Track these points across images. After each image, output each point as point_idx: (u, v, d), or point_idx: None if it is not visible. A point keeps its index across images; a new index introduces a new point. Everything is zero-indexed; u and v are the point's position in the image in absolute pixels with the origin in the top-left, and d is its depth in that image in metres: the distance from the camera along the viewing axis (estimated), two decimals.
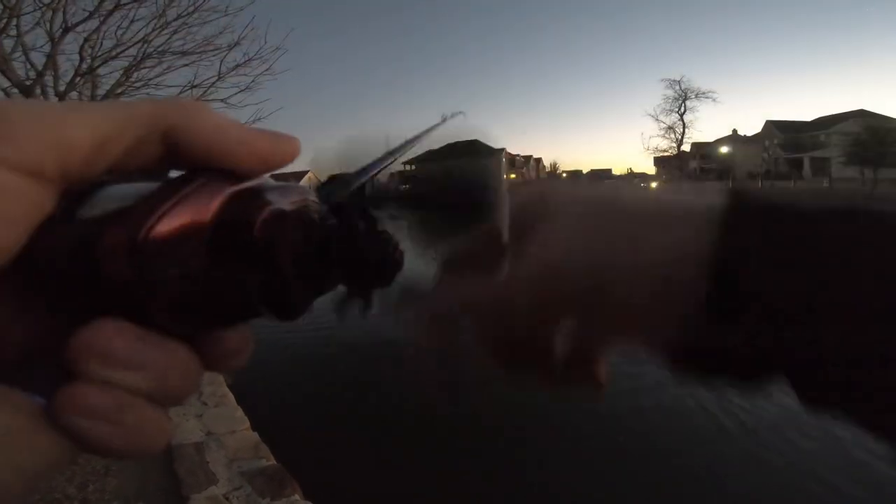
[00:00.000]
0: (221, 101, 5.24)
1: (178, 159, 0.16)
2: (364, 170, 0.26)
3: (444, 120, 0.34)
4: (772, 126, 52.09)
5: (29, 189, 0.14)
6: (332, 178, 0.23)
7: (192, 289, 0.15)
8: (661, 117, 30.50)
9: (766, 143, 51.55)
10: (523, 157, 76.48)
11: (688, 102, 29.74)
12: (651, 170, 62.86)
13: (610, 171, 79.84)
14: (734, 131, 56.99)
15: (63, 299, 0.15)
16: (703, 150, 55.66)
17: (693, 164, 53.68)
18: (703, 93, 29.66)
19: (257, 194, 0.17)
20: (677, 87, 29.78)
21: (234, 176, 0.16)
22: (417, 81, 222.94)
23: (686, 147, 33.72)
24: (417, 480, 3.39)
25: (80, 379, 0.14)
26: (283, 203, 0.17)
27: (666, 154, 32.73)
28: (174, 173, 0.16)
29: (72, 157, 0.14)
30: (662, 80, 31.68)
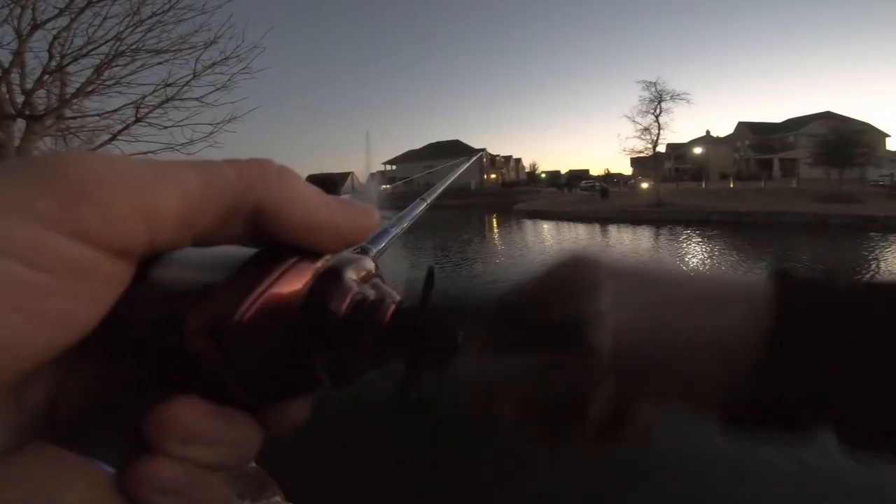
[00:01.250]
0: (196, 99, 5.14)
1: (259, 231, 0.16)
2: (400, 218, 0.28)
3: (469, 159, 0.37)
4: (743, 127, 53.71)
5: (114, 265, 0.13)
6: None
7: (274, 367, 0.15)
8: (638, 118, 30.99)
9: (738, 143, 53.12)
10: (503, 157, 76.95)
11: (663, 104, 30.26)
12: (628, 170, 64.19)
13: (587, 171, 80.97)
14: (707, 132, 58.61)
15: (141, 369, 0.15)
16: (678, 151, 57.04)
17: (668, 165, 54.95)
18: (678, 94, 30.25)
19: (339, 275, 0.17)
20: (653, 89, 30.30)
21: (313, 251, 0.17)
22: (398, 83, 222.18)
23: (661, 148, 34.36)
24: (400, 482, 3.40)
25: (154, 452, 0.14)
26: (364, 285, 0.18)
27: (642, 155, 33.30)
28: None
29: (160, 229, 0.14)
30: (639, 81, 32.18)
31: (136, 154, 5.46)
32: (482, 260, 13.69)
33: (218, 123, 5.29)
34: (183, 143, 5.25)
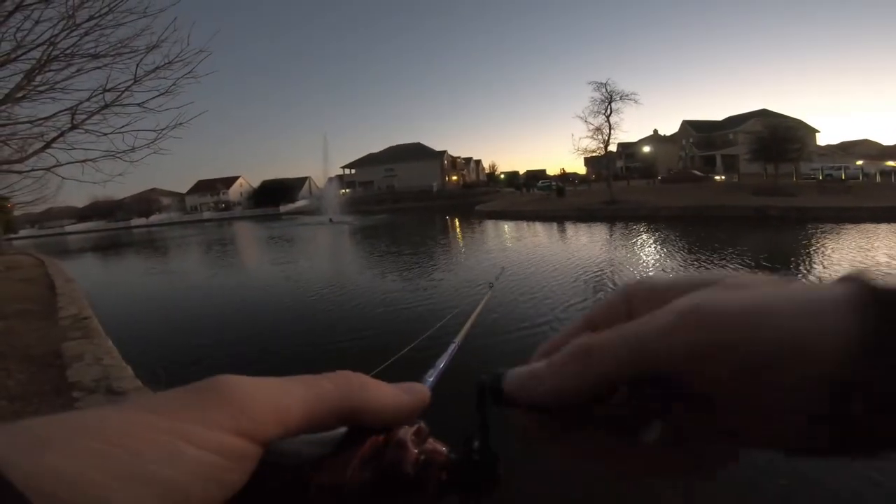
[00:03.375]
0: (138, 105, 4.93)
1: (349, 419, 0.22)
2: (436, 367, 0.32)
3: (490, 286, 0.39)
4: (688, 126, 56.40)
5: (258, 449, 0.19)
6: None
7: None
8: (590, 119, 32.00)
9: (683, 141, 55.79)
10: (464, 159, 77.50)
11: (613, 104, 31.38)
12: (582, 170, 66.09)
13: (544, 171, 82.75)
14: (655, 131, 61.26)
15: None
16: (628, 150, 59.32)
17: (620, 164, 56.99)
18: (627, 95, 31.42)
19: (404, 444, 0.23)
20: (603, 90, 31.36)
21: (387, 427, 0.23)
22: (356, 86, 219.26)
23: (613, 147, 35.64)
24: None
25: None
26: (423, 446, 0.23)
27: (595, 154, 34.42)
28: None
29: (288, 427, 0.20)
30: (590, 83, 33.26)
31: (73, 162, 5.19)
32: (452, 262, 13.77)
33: (162, 129, 5.11)
34: (125, 151, 5.04)
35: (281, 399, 0.20)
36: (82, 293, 7.98)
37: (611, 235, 18.26)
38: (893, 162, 41.68)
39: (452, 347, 0.42)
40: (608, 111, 31.34)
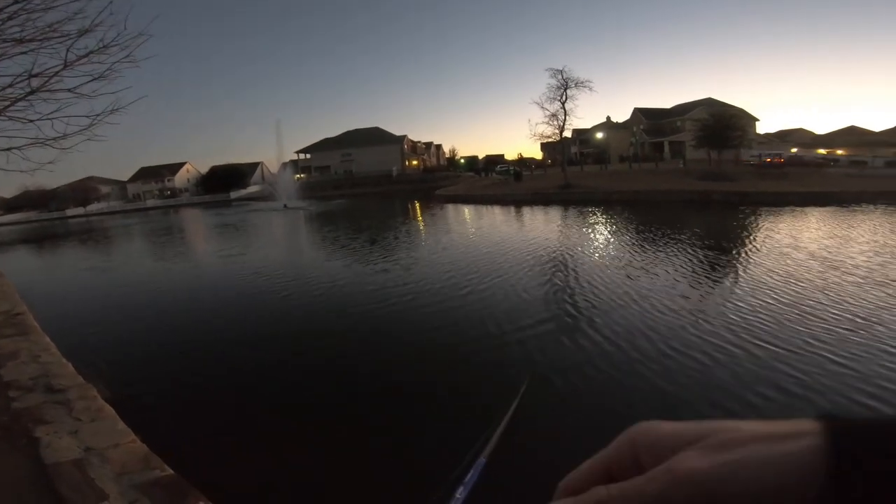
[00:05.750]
0: (69, 90, 4.62)
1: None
2: (465, 484, 0.31)
3: (520, 395, 0.42)
4: (638, 113, 58.32)
5: None
6: None
7: None
8: (546, 105, 32.49)
9: (634, 128, 57.69)
10: (424, 143, 76.87)
11: (569, 91, 31.99)
12: (539, 154, 67.18)
13: (503, 156, 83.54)
14: (608, 118, 62.93)
15: None
16: (582, 136, 60.68)
17: (574, 149, 58.33)
18: (582, 82, 32.05)
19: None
20: (559, 77, 31.87)
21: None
22: (311, 69, 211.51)
23: (568, 133, 36.41)
24: (318, 471, 3.47)
25: None
26: None
27: (551, 140, 35.06)
28: None
29: None
30: (547, 69, 33.69)
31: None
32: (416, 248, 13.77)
33: (97, 115, 4.81)
34: (55, 138, 4.72)
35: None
36: (14, 288, 7.47)
37: (565, 218, 18.80)
38: (823, 150, 44.88)
39: (480, 462, 0.41)
40: (564, 98, 31.93)
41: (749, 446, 0.25)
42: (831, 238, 11.33)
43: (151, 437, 2.51)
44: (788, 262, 8.92)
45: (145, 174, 75.60)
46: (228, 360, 5.68)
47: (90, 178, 71.71)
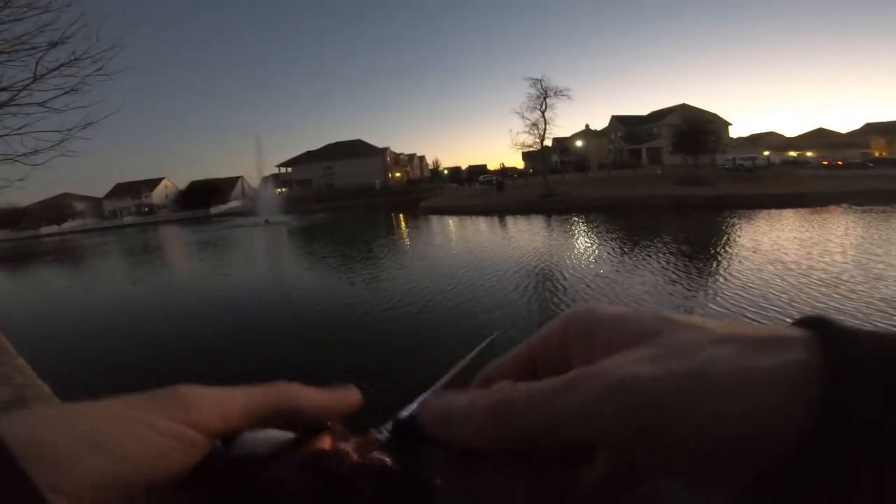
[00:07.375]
0: (39, 104, 4.49)
1: (282, 416, 0.26)
2: (414, 404, 0.30)
3: (489, 341, 0.36)
4: (616, 120, 59.40)
5: (205, 439, 0.23)
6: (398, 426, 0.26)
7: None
8: (526, 114, 32.98)
9: (612, 136, 58.73)
10: (407, 155, 76.96)
11: (548, 100, 32.52)
12: (521, 164, 67.81)
13: (485, 166, 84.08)
14: (587, 126, 63.99)
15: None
16: (562, 144, 61.56)
17: (555, 157, 59.08)
18: (561, 91, 32.67)
19: (342, 450, 0.25)
20: (539, 86, 32.41)
21: (321, 425, 0.26)
22: (292, 83, 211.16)
23: (548, 142, 36.93)
24: None
25: None
26: (360, 454, 0.25)
27: (532, 149, 35.50)
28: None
29: (228, 419, 0.24)
30: (526, 78, 34.26)
31: None
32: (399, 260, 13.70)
33: (69, 130, 4.68)
34: (25, 154, 4.58)
35: (223, 400, 0.24)
36: None
37: (549, 226, 18.95)
38: (794, 152, 46.35)
39: (436, 386, 0.40)
40: (543, 106, 32.42)
41: (715, 353, 0.19)
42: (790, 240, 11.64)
43: None
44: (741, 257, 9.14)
45: (122, 190, 73.93)
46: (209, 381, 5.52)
47: (64, 195, 69.90)
